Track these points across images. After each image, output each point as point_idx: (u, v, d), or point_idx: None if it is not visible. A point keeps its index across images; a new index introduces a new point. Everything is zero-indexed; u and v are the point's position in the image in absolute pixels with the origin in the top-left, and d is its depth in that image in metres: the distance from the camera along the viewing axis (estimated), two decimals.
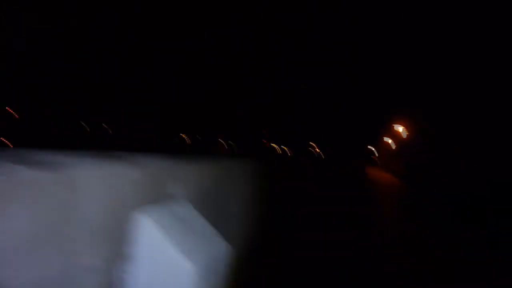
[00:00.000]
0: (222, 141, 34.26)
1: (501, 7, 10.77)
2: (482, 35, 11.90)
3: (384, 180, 21.99)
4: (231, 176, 2.37)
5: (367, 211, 8.34)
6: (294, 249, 4.30)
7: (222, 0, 30.51)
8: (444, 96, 14.31)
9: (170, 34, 32.08)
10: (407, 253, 5.32)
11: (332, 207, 7.00)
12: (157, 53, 32.76)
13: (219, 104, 35.85)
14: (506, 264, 4.95)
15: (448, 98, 13.98)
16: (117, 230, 1.30)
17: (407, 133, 22.54)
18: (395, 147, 27.86)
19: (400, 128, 23.74)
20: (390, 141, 29.92)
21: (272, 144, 39.27)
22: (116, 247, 1.30)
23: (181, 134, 30.49)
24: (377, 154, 46.84)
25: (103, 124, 24.18)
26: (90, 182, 1.25)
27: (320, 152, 43.06)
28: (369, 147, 50.24)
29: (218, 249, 1.41)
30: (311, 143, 43.63)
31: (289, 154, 38.14)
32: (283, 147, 39.98)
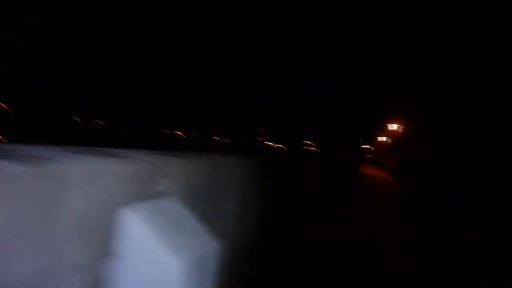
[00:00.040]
0: (217, 138, 34.14)
1: (499, 6, 10.75)
2: (482, 35, 11.88)
3: (379, 178, 21.96)
4: (226, 172, 2.33)
5: (362, 210, 8.33)
6: (293, 249, 4.28)
7: (222, 0, 30.54)
8: (443, 95, 14.29)
9: (170, 34, 32.10)
10: (407, 253, 5.29)
11: (331, 207, 6.98)
12: (157, 53, 32.78)
13: (219, 104, 35.86)
14: (506, 264, 4.93)
15: (447, 97, 13.96)
16: (104, 227, 1.27)
17: (402, 132, 22.59)
18: (391, 146, 27.89)
19: (395, 127, 23.82)
20: (386, 139, 29.98)
21: (268, 143, 39.24)
22: (102, 244, 1.26)
23: (176, 132, 30.41)
24: (373, 153, 46.89)
25: (98, 121, 24.15)
26: (77, 177, 1.22)
27: (316, 150, 43.10)
28: (365, 146, 50.42)
29: (209, 247, 1.37)
30: (307, 141, 43.66)
31: (285, 151, 38.05)
32: (279, 145, 39.96)
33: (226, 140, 34.54)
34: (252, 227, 3.12)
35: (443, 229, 7.44)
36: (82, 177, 1.23)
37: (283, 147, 39.79)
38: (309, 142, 43.64)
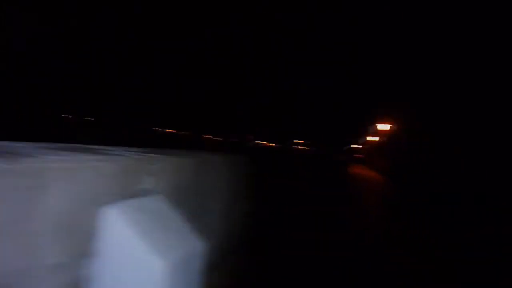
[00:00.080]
0: (209, 136, 34.09)
1: (497, 6, 10.72)
2: (482, 36, 11.86)
3: (369, 178, 21.89)
4: (213, 170, 2.29)
5: (354, 210, 8.29)
6: (280, 247, 4.26)
7: (222, 0, 30.53)
8: (435, 95, 14.26)
9: (170, 34, 32.10)
10: (407, 253, 5.26)
11: (322, 206, 6.96)
12: (157, 53, 32.80)
13: (219, 104, 35.87)
14: (506, 264, 4.89)
15: (440, 97, 13.92)
16: (85, 226, 1.22)
17: (393, 132, 22.55)
18: (382, 145, 27.83)
19: (387, 127, 23.79)
20: (377, 139, 29.94)
21: (258, 141, 39.31)
22: (83, 244, 1.22)
23: (166, 130, 30.46)
24: (362, 152, 46.68)
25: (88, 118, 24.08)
26: (59, 175, 1.18)
27: (307, 149, 43.15)
28: (354, 145, 50.34)
29: (193, 246, 1.33)
30: (298, 140, 43.82)
31: (275, 149, 38.14)
32: (271, 144, 40.01)
33: (218, 138, 34.47)
34: (238, 225, 3.09)
35: (443, 229, 7.40)
36: (63, 174, 1.18)
37: (274, 145, 39.84)
38: (301, 141, 43.82)
